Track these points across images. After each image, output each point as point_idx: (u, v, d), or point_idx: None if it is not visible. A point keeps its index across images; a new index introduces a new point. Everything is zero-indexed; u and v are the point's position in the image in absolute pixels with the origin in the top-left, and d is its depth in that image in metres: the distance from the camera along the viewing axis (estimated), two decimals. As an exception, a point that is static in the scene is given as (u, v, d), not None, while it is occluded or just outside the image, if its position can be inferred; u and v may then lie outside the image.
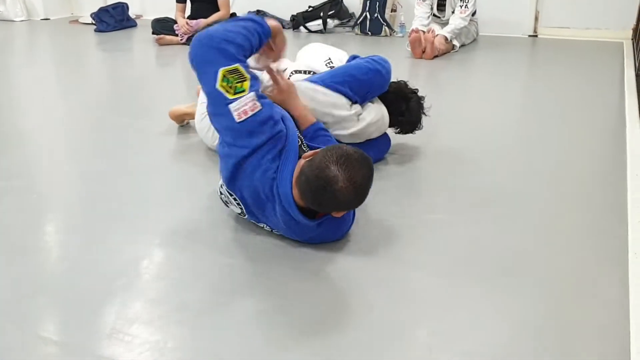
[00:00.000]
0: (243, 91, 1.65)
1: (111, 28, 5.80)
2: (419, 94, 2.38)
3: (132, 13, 6.34)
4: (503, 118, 3.08)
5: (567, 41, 5.09)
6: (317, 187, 1.52)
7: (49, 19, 6.75)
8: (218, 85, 1.64)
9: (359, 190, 1.55)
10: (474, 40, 5.00)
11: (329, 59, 2.46)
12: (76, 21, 6.45)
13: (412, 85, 2.39)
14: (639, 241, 1.74)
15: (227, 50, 1.66)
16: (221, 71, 1.64)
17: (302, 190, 1.58)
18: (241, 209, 1.77)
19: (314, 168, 1.54)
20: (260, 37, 1.75)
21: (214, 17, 5.06)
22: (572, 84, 3.70)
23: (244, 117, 1.64)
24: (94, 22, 5.88)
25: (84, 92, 3.71)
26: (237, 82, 1.66)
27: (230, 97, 1.64)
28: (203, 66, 1.68)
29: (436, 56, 4.39)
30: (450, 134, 2.74)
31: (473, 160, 2.41)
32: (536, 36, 5.33)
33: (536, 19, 5.32)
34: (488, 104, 3.31)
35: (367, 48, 4.98)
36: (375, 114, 2.24)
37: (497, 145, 2.62)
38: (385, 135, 2.34)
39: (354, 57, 2.34)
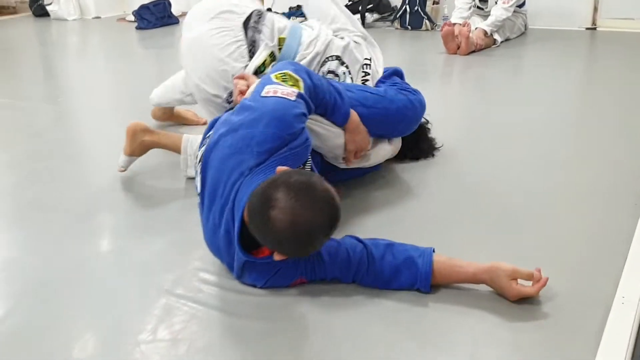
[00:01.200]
0: (292, 85, 1.52)
1: (152, 25, 5.78)
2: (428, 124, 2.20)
3: (176, 10, 6.33)
4: (552, 124, 2.62)
5: (631, 34, 4.52)
6: (256, 204, 1.28)
7: (100, 17, 6.86)
8: (272, 75, 1.56)
9: (296, 229, 1.24)
10: (522, 34, 4.58)
11: (369, 63, 2.05)
12: (123, 19, 6.50)
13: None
14: None
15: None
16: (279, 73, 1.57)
17: (247, 209, 1.32)
18: (200, 187, 1.54)
19: (267, 182, 1.29)
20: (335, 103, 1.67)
21: (247, 12, 4.93)
22: (637, 84, 3.21)
23: (271, 94, 1.49)
24: (132, 21, 5.89)
25: (121, 88, 3.72)
26: (291, 81, 1.54)
27: (273, 78, 1.54)
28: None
29: (473, 51, 4.03)
30: (488, 143, 2.41)
31: (516, 176, 2.07)
32: (595, 29, 4.79)
33: (595, 9, 4.78)
34: (535, 108, 2.84)
35: (406, 43, 4.69)
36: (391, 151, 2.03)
37: (547, 158, 2.23)
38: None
39: (392, 73, 2.06)
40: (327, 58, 1.95)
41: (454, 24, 4.10)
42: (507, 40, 4.36)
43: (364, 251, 1.40)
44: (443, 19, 4.98)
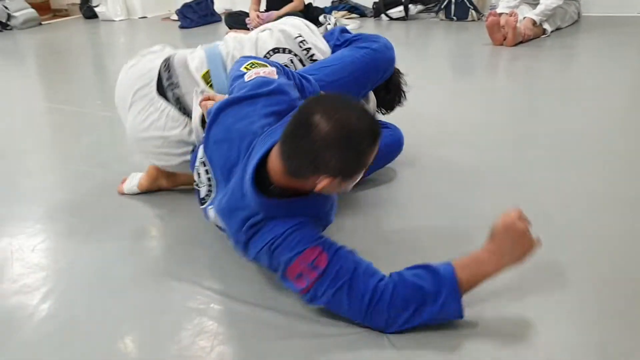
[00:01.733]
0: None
1: (194, 24, 5.81)
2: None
3: (219, 8, 6.34)
4: (603, 120, 2.43)
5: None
6: (294, 123, 1.18)
7: (146, 17, 6.95)
8: (242, 68, 1.53)
9: (342, 129, 1.13)
10: (574, 22, 4.33)
11: (302, 38, 1.87)
12: (167, 18, 6.56)
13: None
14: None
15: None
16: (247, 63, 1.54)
17: (281, 137, 1.21)
18: (209, 180, 1.42)
19: (298, 109, 1.21)
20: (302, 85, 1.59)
21: (287, 8, 4.87)
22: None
23: (254, 77, 1.45)
24: (176, 20, 5.93)
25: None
26: (260, 66, 1.52)
27: (244, 70, 1.52)
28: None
29: (521, 42, 3.83)
30: (532, 140, 2.24)
31: (562, 174, 1.90)
32: (656, 14, 4.50)
33: (656, -8, 4.50)
34: (586, 104, 2.63)
35: (451, 35, 4.51)
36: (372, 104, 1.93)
37: (598, 156, 2.04)
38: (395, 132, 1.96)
39: (338, 36, 1.91)
40: (266, 55, 1.80)
41: (501, 14, 3.91)
42: (558, 29, 4.14)
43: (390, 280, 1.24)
44: (490, 9, 4.79)
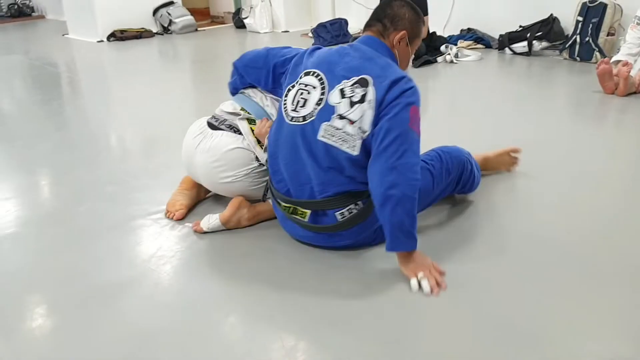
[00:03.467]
0: None
1: (327, 43, 6.19)
2: None
3: (353, 28, 6.68)
4: None
5: None
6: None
7: (288, 31, 7.50)
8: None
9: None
10: None
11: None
12: (306, 34, 7.04)
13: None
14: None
15: None
16: None
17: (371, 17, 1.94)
18: (322, 84, 1.83)
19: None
20: None
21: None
22: None
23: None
24: (312, 37, 6.36)
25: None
26: None
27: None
28: None
29: (634, 93, 3.74)
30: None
31: None
32: None
33: None
34: None
35: (571, 76, 4.46)
36: None
37: None
38: None
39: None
40: None
41: (617, 62, 3.84)
42: (681, 81, 3.94)
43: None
44: (617, 52, 4.66)
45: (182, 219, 2.22)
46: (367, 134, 1.74)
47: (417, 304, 1.66)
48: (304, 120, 1.81)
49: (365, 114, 1.73)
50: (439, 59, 5.07)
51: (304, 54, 1.97)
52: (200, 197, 2.37)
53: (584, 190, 2.39)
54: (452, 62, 5.02)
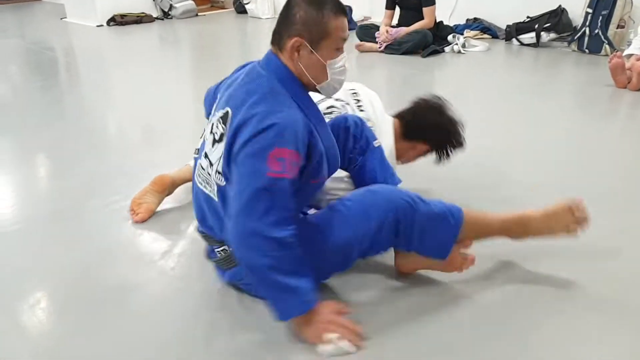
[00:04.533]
0: None
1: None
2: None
3: (358, 15, 6.59)
4: None
5: None
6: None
7: (290, 17, 7.39)
8: None
9: None
10: None
11: (355, 91, 2.09)
12: (309, 21, 6.93)
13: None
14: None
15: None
16: None
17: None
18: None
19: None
20: None
21: (417, 25, 5.00)
22: None
23: None
24: (314, 23, 6.25)
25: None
26: None
27: None
28: None
29: (647, 87, 3.69)
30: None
31: None
32: None
33: None
34: None
35: (579, 69, 4.41)
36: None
37: None
38: None
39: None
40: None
41: (630, 55, 3.80)
42: (694, 75, 3.90)
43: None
44: (627, 44, 4.61)
45: (142, 222, 2.14)
46: (222, 179, 1.46)
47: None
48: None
49: (223, 155, 1.44)
50: (447, 48, 5.00)
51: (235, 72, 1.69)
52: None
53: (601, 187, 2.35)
54: (459, 52, 4.95)
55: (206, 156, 1.51)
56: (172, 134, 3.13)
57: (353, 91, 2.08)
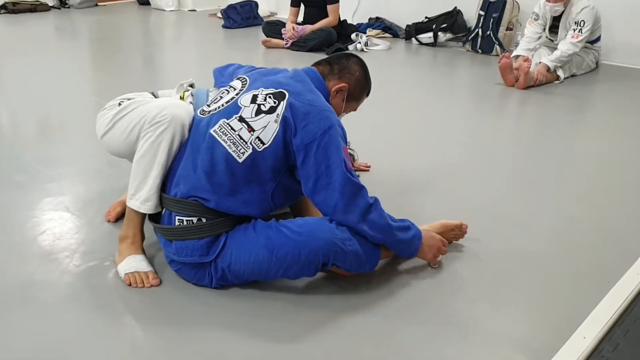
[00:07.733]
0: None
1: (237, 25, 6.08)
2: None
3: (263, 10, 6.61)
4: (600, 179, 2.56)
5: None
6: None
7: (195, 10, 7.28)
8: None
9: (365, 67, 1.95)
10: (591, 70, 4.43)
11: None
12: (214, 15, 6.87)
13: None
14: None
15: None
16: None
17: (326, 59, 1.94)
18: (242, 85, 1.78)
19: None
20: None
21: (321, 23, 5.10)
22: None
23: None
24: (221, 17, 6.22)
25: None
26: None
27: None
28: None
29: (532, 86, 3.98)
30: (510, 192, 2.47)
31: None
32: (677, 70, 4.55)
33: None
34: (580, 158, 2.79)
35: (470, 67, 4.69)
36: None
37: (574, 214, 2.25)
38: None
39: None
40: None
41: (517, 56, 4.09)
42: (572, 76, 4.25)
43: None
44: (515, 46, 4.94)
45: (114, 221, 2.09)
46: (264, 147, 1.62)
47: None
48: (207, 114, 1.75)
49: (269, 125, 1.63)
50: (350, 47, 5.13)
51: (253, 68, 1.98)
52: None
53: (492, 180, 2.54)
54: (362, 50, 5.10)
55: (242, 120, 1.66)
56: (70, 129, 3.02)
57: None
